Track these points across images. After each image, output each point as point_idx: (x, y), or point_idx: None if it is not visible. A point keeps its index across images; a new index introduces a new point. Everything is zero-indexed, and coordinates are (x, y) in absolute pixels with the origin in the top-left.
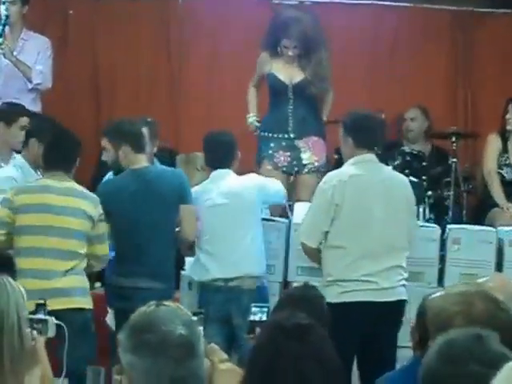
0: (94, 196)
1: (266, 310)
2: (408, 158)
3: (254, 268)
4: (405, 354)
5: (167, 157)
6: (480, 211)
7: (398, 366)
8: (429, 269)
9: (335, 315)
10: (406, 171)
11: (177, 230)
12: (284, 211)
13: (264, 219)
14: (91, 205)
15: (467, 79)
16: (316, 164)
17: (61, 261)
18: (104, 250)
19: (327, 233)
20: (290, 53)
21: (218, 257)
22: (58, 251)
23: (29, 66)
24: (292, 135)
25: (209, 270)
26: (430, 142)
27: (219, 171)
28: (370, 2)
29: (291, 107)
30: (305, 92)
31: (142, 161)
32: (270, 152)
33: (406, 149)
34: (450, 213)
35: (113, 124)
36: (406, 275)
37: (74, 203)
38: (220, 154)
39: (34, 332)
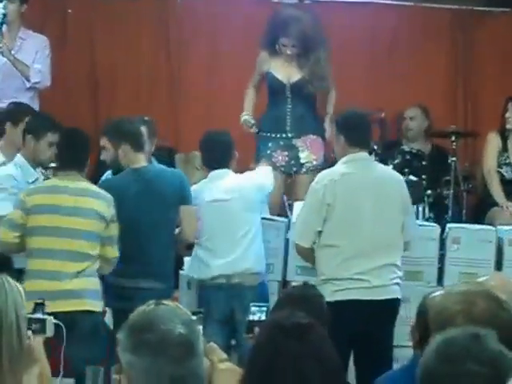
0: (108, 195)
1: (265, 309)
2: (408, 157)
3: (255, 264)
4: (405, 354)
5: (166, 156)
6: (480, 210)
7: (398, 365)
8: (428, 268)
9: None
10: (406, 170)
11: (177, 230)
12: (283, 210)
13: (263, 218)
14: (104, 205)
15: (467, 78)
16: (314, 163)
17: (72, 262)
18: (114, 252)
19: (320, 232)
20: (289, 51)
21: (219, 253)
22: (68, 252)
23: (27, 64)
24: (290, 134)
25: (210, 266)
26: (429, 141)
27: (218, 171)
28: (369, 0)
29: (289, 106)
30: (303, 91)
31: (141, 160)
32: (268, 152)
33: (406, 148)
34: (450, 212)
35: (112, 123)
36: (400, 273)
37: (87, 204)
38: (218, 154)
39: (29, 332)
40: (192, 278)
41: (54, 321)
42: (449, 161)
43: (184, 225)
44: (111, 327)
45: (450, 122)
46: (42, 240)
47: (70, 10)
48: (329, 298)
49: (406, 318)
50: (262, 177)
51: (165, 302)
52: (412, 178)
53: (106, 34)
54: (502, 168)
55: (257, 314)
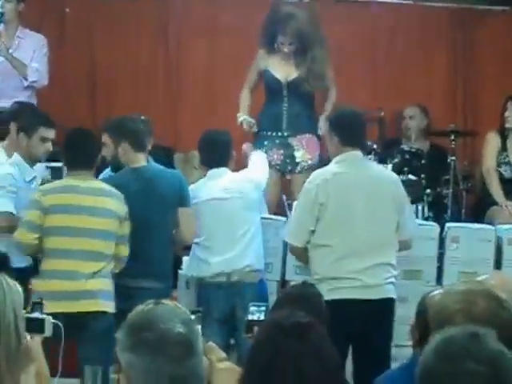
0: (119, 193)
1: (263, 309)
2: (407, 157)
3: (255, 261)
4: (404, 353)
5: (164, 156)
6: (479, 209)
7: (397, 364)
8: (427, 267)
9: None
10: (405, 169)
11: (174, 232)
12: (281, 209)
13: (261, 218)
14: (118, 203)
15: (466, 77)
16: (309, 162)
17: (88, 262)
18: (126, 250)
19: (313, 232)
20: (286, 49)
21: (218, 251)
22: (85, 252)
23: (24, 63)
24: (286, 133)
25: (209, 263)
26: (428, 140)
27: (216, 170)
28: None
29: (286, 105)
30: (299, 89)
31: (141, 159)
32: (264, 150)
33: (405, 147)
34: (449, 211)
35: (114, 120)
36: (395, 273)
37: (103, 203)
38: (216, 154)
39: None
40: (191, 277)
41: (53, 321)
42: (448, 160)
43: (182, 227)
44: None
45: (449, 121)
46: (58, 240)
47: (67, 9)
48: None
49: (406, 317)
50: (258, 174)
51: (164, 301)
52: (411, 177)
53: (105, 34)
54: (501, 167)
55: (256, 313)
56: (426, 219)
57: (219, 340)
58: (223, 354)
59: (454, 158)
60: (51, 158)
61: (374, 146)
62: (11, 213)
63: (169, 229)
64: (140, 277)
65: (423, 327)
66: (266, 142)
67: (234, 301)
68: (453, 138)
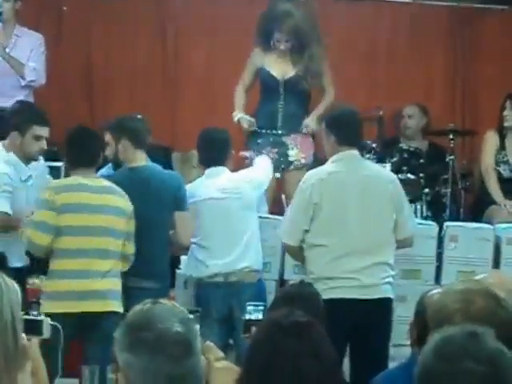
0: (122, 191)
1: (261, 308)
2: (405, 156)
3: (253, 262)
4: (402, 353)
5: (162, 155)
6: (477, 208)
7: (396, 364)
8: (426, 266)
9: None
10: (404, 168)
11: (171, 232)
12: (278, 208)
13: (260, 217)
14: (125, 201)
15: (465, 76)
16: (302, 161)
17: (99, 260)
18: (132, 248)
19: (307, 231)
20: (282, 47)
21: (216, 252)
22: (96, 251)
23: (21, 62)
24: (280, 131)
25: (208, 265)
26: (427, 139)
27: (214, 168)
28: None
29: (281, 103)
30: (296, 88)
31: (140, 158)
32: (257, 148)
33: (404, 146)
34: (448, 210)
35: (115, 119)
36: (392, 272)
37: (112, 201)
38: (215, 152)
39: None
40: (189, 276)
41: (51, 322)
42: (447, 159)
43: (179, 231)
44: None
45: (448, 120)
46: (70, 240)
47: (65, 8)
48: None
49: (404, 316)
50: (259, 173)
51: (162, 300)
52: (410, 176)
53: (102, 32)
54: (499, 166)
55: (253, 313)
56: (425, 218)
57: (217, 340)
58: (221, 354)
59: (452, 157)
60: (50, 157)
61: (373, 145)
62: (6, 213)
63: (165, 229)
64: (137, 277)
65: (422, 326)
66: (259, 140)
67: (232, 301)
68: (451, 137)
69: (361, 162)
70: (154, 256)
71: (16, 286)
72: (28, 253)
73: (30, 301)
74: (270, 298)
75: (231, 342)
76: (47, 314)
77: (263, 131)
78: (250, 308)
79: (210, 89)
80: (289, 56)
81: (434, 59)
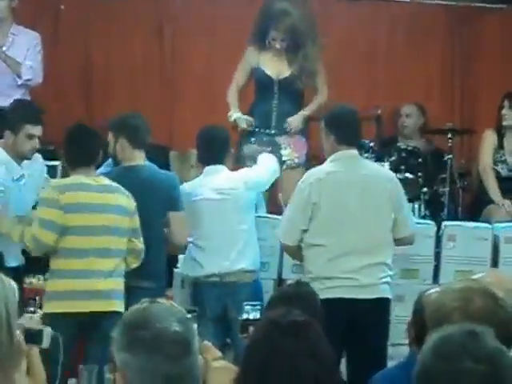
0: (124, 189)
1: (259, 308)
2: (403, 155)
3: (250, 263)
4: (401, 352)
5: (160, 154)
6: (475, 207)
7: (394, 363)
8: (424, 266)
9: None
10: (402, 167)
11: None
12: (275, 208)
13: (258, 216)
14: (127, 198)
15: (463, 75)
16: (296, 160)
17: (103, 260)
18: (140, 243)
19: (306, 231)
20: (278, 45)
21: (212, 254)
22: (100, 250)
23: (18, 61)
24: (274, 131)
25: (203, 265)
26: (425, 138)
27: (213, 167)
28: None
29: (276, 102)
30: (291, 88)
31: (137, 158)
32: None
33: (402, 145)
34: (446, 209)
35: (117, 117)
36: (390, 273)
37: (114, 200)
38: (214, 150)
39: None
40: (186, 276)
41: (51, 332)
42: (445, 158)
43: (175, 231)
44: None
45: (446, 119)
46: (74, 239)
47: (62, 6)
48: None
49: (402, 316)
50: (259, 173)
51: (159, 300)
52: (408, 175)
53: (100, 31)
54: (497, 165)
55: (251, 312)
56: (423, 218)
57: (214, 339)
58: (219, 353)
59: (450, 156)
60: (47, 156)
61: (371, 144)
62: None
63: (161, 228)
64: (133, 276)
65: (420, 326)
66: (252, 139)
67: (227, 300)
68: (450, 136)
69: (359, 162)
70: (150, 255)
71: (13, 284)
72: (24, 252)
73: (27, 297)
74: (268, 297)
75: (228, 341)
76: (49, 314)
77: (256, 130)
78: (247, 308)
79: (209, 88)
80: (284, 55)
81: (433, 58)
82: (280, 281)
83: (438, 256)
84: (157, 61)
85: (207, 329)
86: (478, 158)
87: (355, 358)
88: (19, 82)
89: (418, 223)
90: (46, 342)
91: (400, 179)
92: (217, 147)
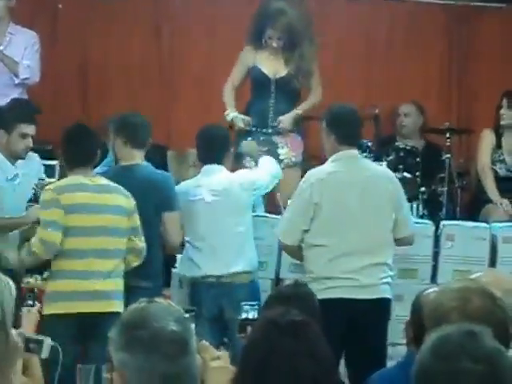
0: (123, 188)
1: (257, 308)
2: (402, 154)
3: (246, 264)
4: (399, 352)
5: (158, 154)
6: (474, 207)
7: (393, 363)
8: (422, 265)
9: None
10: (400, 167)
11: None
12: (276, 207)
13: (256, 216)
14: (126, 198)
15: (462, 74)
16: (293, 159)
17: (103, 260)
18: (141, 242)
19: (306, 231)
20: (275, 44)
21: (209, 254)
22: (99, 251)
23: (15, 60)
24: (270, 130)
25: (200, 267)
26: (423, 137)
27: (211, 166)
28: None
29: (272, 101)
30: (288, 87)
31: (135, 157)
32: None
33: (400, 144)
34: (444, 209)
35: (117, 116)
36: (391, 273)
37: (112, 200)
38: (214, 150)
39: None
40: (183, 276)
41: (51, 343)
42: (443, 158)
43: (169, 231)
44: None
45: (445, 118)
46: (74, 240)
47: (60, 6)
48: (317, 296)
49: (401, 315)
50: (258, 175)
51: (157, 299)
52: (406, 174)
53: (98, 31)
54: (495, 165)
55: (250, 312)
56: (421, 217)
57: (211, 339)
58: (216, 353)
59: (449, 155)
60: (45, 156)
61: (369, 144)
62: None
63: (157, 228)
64: (131, 276)
65: (418, 325)
66: (249, 139)
67: (223, 301)
68: (448, 135)
69: (360, 162)
70: (148, 255)
71: (11, 283)
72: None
73: (27, 287)
74: (265, 296)
75: (226, 340)
76: (50, 315)
77: (253, 129)
78: (246, 307)
79: (207, 88)
80: (281, 54)
81: (431, 57)
82: (278, 280)
83: (436, 256)
84: (155, 60)
85: (204, 328)
86: (477, 158)
87: (355, 359)
88: (16, 82)
89: (417, 223)
90: (45, 353)
91: (398, 179)
92: (217, 146)
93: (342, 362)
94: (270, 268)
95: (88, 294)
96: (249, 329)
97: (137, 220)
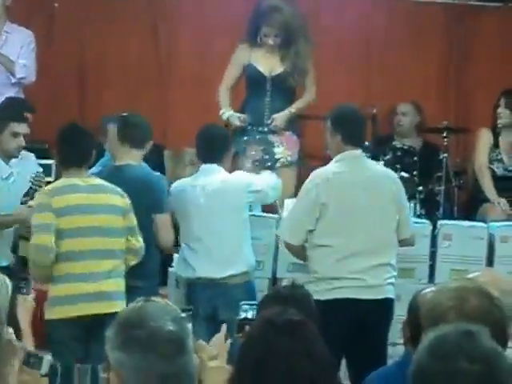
0: (117, 188)
1: (255, 307)
2: (399, 154)
3: (241, 265)
4: (397, 351)
5: (154, 153)
6: (471, 206)
7: (391, 362)
8: (420, 265)
9: (322, 312)
10: (397, 166)
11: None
12: (273, 207)
13: (253, 215)
14: (121, 198)
15: (459, 74)
16: (289, 158)
17: (101, 261)
18: (138, 241)
19: (311, 231)
20: (271, 41)
21: (204, 255)
22: (97, 252)
23: (12, 60)
24: (266, 129)
25: (195, 269)
26: (421, 137)
27: (210, 166)
28: None
29: (268, 99)
30: (283, 85)
31: (132, 157)
32: (244, 146)
33: (398, 144)
34: (441, 208)
35: (117, 115)
36: (395, 273)
37: (106, 200)
38: (213, 149)
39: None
40: (179, 276)
41: (51, 360)
42: (440, 157)
43: (161, 233)
44: None
45: (442, 118)
46: (70, 242)
47: (56, 4)
48: (323, 297)
49: (399, 315)
50: (256, 180)
51: (154, 298)
52: (403, 174)
53: (94, 30)
54: (493, 164)
55: (249, 312)
56: (419, 217)
57: (208, 338)
58: (214, 352)
59: (446, 155)
60: (41, 155)
61: (366, 143)
62: None
63: (150, 228)
64: (129, 276)
65: (415, 325)
66: (245, 138)
67: (217, 301)
68: (445, 134)
69: (364, 162)
70: (144, 255)
71: (7, 281)
72: (15, 252)
73: (21, 277)
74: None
75: None
76: (53, 320)
77: (249, 128)
78: (245, 307)
79: (203, 88)
80: (277, 52)
81: (429, 57)
82: (274, 280)
83: (433, 255)
84: (152, 60)
85: (201, 328)
86: (474, 157)
87: (357, 359)
88: (13, 81)
89: (414, 222)
90: (44, 369)
91: None
92: (217, 146)
93: (345, 362)
94: (267, 267)
95: (89, 296)
96: (247, 328)
97: (133, 219)
